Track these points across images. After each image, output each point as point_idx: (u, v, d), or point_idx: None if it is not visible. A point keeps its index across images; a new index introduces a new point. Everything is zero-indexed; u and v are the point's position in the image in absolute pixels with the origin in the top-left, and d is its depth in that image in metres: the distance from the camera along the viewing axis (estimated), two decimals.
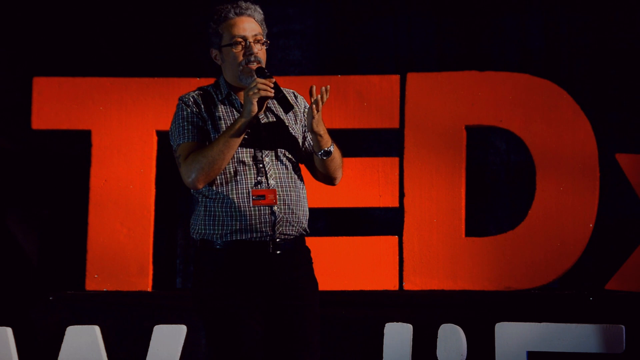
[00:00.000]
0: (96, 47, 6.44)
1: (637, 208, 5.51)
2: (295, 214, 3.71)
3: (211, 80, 5.62)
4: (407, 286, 5.48)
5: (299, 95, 3.89)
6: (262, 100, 3.62)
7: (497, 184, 6.38)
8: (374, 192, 5.57)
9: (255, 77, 3.66)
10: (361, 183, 5.60)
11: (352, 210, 5.94)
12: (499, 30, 6.34)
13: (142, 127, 5.68)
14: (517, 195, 6.24)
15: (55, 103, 5.71)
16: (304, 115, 3.83)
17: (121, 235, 5.60)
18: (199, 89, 3.84)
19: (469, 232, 5.49)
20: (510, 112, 5.50)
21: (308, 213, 3.80)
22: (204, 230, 3.70)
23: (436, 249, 5.48)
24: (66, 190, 6.28)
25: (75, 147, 6.03)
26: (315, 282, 3.79)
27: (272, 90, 3.60)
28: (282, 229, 3.67)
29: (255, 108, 3.60)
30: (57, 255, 6.31)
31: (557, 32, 6.28)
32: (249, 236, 3.65)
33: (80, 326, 5.31)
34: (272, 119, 3.77)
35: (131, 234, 5.60)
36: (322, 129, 3.66)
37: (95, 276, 5.59)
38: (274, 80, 3.63)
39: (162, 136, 5.71)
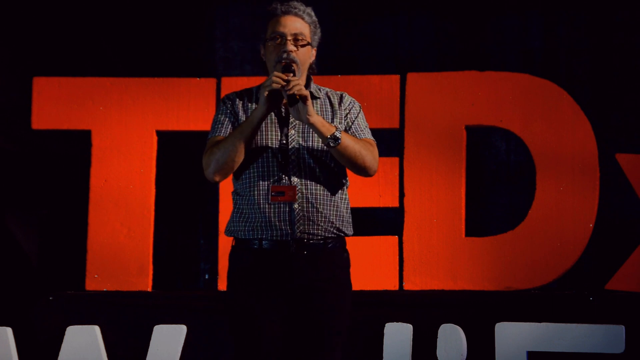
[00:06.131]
0: (96, 47, 6.44)
1: (637, 208, 5.52)
2: (322, 213, 3.66)
3: (212, 81, 5.69)
4: (407, 286, 5.48)
5: (346, 96, 3.85)
6: (275, 94, 3.60)
7: (497, 184, 6.38)
8: (374, 192, 5.57)
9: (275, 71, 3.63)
10: (361, 183, 5.58)
11: (352, 210, 5.93)
12: (499, 30, 6.35)
13: (142, 127, 5.68)
14: (517, 195, 6.24)
15: (55, 103, 5.70)
16: (344, 118, 3.79)
17: (121, 235, 5.60)
18: (246, 88, 3.82)
19: (469, 232, 5.49)
20: (510, 112, 5.50)
21: (348, 216, 3.76)
22: (233, 227, 3.71)
23: (436, 249, 5.48)
24: (66, 190, 6.29)
25: (75, 147, 6.03)
26: (344, 286, 3.71)
27: (283, 83, 3.56)
28: (304, 228, 3.63)
29: (265, 100, 3.58)
30: (57, 255, 6.31)
31: (557, 32, 6.29)
32: (269, 234, 3.62)
33: (80, 326, 5.31)
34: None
35: (131, 234, 5.60)
36: (311, 120, 3.59)
37: (95, 276, 5.58)
38: (292, 75, 3.59)
39: (162, 136, 5.71)
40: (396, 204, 5.56)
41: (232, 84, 5.60)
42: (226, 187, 5.54)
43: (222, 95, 5.60)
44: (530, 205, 5.45)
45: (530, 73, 5.57)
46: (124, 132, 5.68)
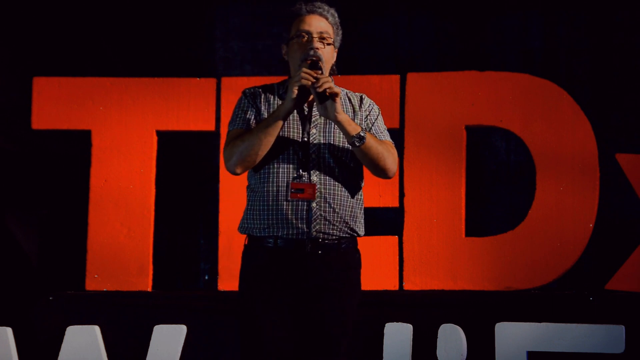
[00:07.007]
0: (96, 47, 6.44)
1: (637, 208, 5.52)
2: (338, 214, 3.67)
3: (212, 81, 5.69)
4: (407, 286, 5.48)
5: (365, 98, 3.86)
6: (303, 90, 3.60)
7: (497, 184, 6.38)
8: (374, 192, 5.57)
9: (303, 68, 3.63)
10: None
11: None
12: (499, 30, 6.35)
13: (142, 127, 5.68)
14: (517, 195, 6.24)
15: (55, 103, 5.71)
16: (364, 120, 3.80)
17: (121, 235, 5.60)
18: (266, 84, 3.83)
19: (469, 232, 5.49)
20: (510, 112, 5.50)
21: (361, 216, 3.78)
22: (246, 224, 3.70)
23: (436, 249, 5.48)
24: (66, 190, 6.29)
25: (75, 147, 6.03)
26: (355, 287, 3.75)
27: (312, 80, 3.57)
28: (320, 227, 3.63)
29: (294, 95, 3.58)
30: (57, 255, 6.31)
31: (557, 32, 6.29)
32: (285, 232, 3.61)
33: (80, 326, 5.31)
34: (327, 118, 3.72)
35: (131, 234, 5.60)
36: (339, 118, 3.61)
37: (95, 276, 5.58)
38: (320, 72, 3.61)
39: (162, 136, 5.71)
40: (396, 204, 5.56)
41: (232, 84, 5.60)
42: (226, 187, 5.54)
43: (222, 95, 5.61)
44: (530, 205, 5.45)
45: (530, 73, 5.57)
46: (124, 132, 5.68)
